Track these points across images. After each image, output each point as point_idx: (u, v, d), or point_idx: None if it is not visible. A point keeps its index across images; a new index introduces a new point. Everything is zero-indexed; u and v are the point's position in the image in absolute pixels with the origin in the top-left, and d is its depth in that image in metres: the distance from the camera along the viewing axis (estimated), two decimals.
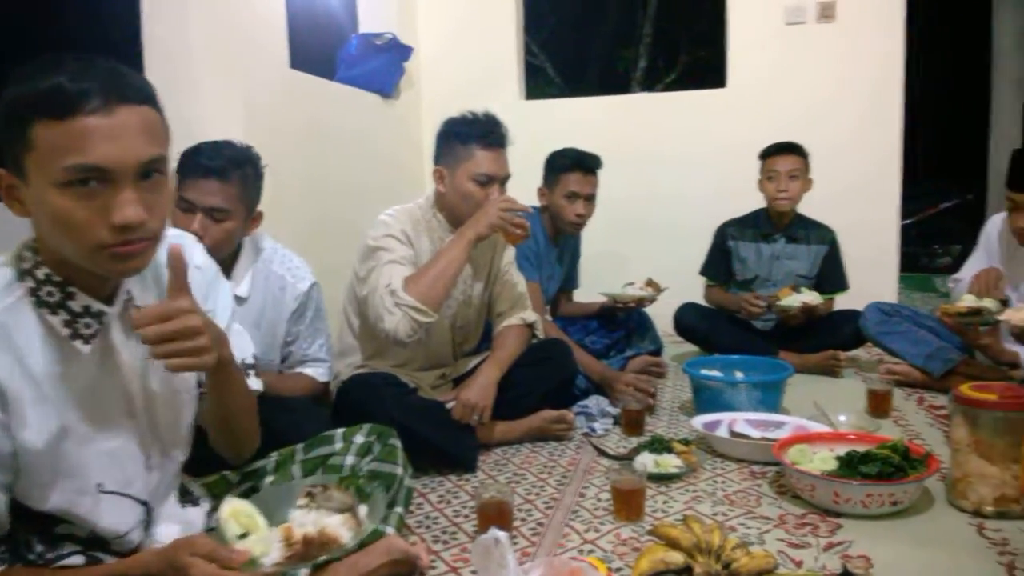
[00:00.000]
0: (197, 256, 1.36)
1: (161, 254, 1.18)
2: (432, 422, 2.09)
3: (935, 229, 7.52)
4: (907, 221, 6.78)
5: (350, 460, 1.58)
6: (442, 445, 2.10)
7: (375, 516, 1.32)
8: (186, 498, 1.42)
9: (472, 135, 2.22)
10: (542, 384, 2.36)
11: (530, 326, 2.43)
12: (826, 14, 3.94)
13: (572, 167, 2.89)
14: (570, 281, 3.19)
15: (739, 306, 3.17)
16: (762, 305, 3.08)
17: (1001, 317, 2.06)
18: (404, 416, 1.95)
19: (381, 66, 3.83)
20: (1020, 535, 1.64)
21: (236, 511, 1.19)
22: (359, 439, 1.61)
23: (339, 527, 1.23)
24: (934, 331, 2.91)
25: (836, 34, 3.96)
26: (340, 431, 1.63)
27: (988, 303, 2.37)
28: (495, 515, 1.65)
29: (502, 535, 1.17)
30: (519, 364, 2.32)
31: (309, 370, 2.16)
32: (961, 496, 1.77)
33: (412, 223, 2.28)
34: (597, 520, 1.77)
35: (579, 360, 2.59)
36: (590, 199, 2.93)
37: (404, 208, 2.32)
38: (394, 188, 3.84)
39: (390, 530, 1.46)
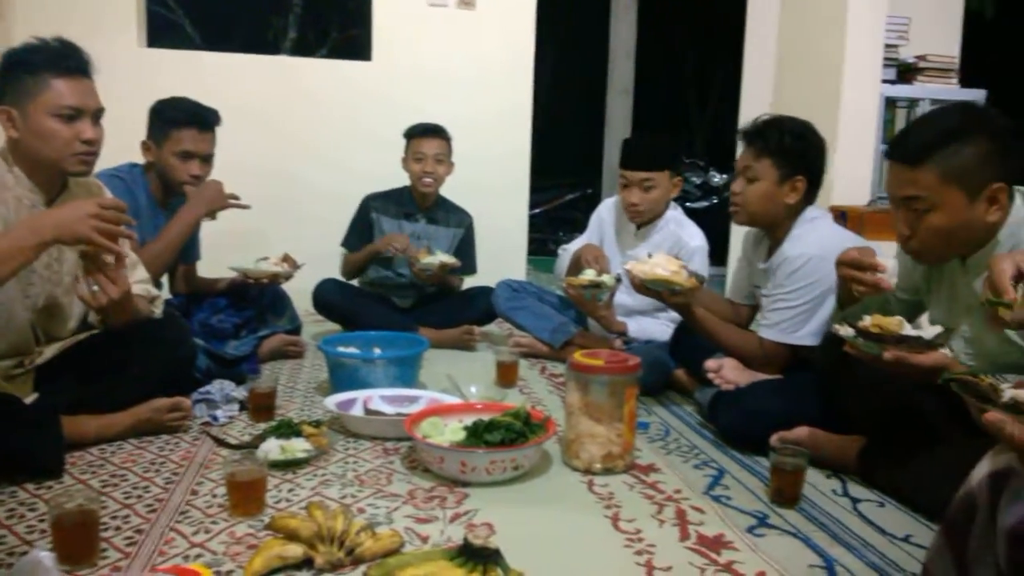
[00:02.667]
0: None
1: None
2: (2, 418, 1.68)
3: (560, 218, 8.36)
4: (536, 211, 7.43)
5: None
6: (16, 446, 1.70)
7: None
8: None
9: (43, 62, 1.82)
10: (153, 368, 2.04)
11: (152, 301, 2.10)
12: (466, 1, 4.06)
13: (187, 122, 2.55)
14: (189, 252, 2.84)
15: (379, 248, 3.11)
16: (405, 240, 3.05)
17: (627, 267, 2.27)
18: None
19: None
20: (623, 488, 1.79)
21: None
22: None
23: None
24: (555, 307, 3.15)
25: (475, 22, 4.10)
26: None
27: (606, 278, 2.60)
28: (75, 527, 1.36)
29: (46, 556, 0.92)
30: (121, 345, 1.98)
31: None
32: (574, 456, 1.88)
33: None
34: (209, 520, 1.56)
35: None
36: (207, 159, 2.62)
37: None
38: None
39: None
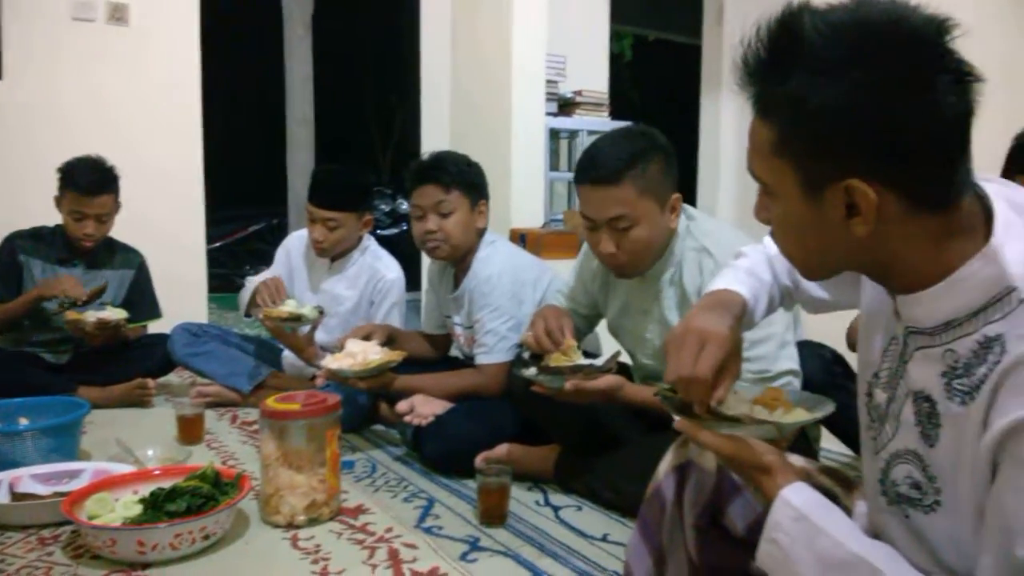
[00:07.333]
0: None
1: None
2: None
3: (245, 251, 7.89)
4: (217, 244, 6.94)
5: None
6: None
7: None
8: None
9: None
10: None
11: None
12: (117, 16, 3.65)
13: None
14: None
15: (43, 294, 2.62)
16: (77, 287, 2.60)
17: (331, 368, 2.10)
18: None
19: None
20: (331, 537, 1.68)
21: None
22: None
23: None
24: (242, 348, 2.92)
25: (130, 39, 3.71)
26: None
27: (306, 309, 2.49)
28: None
29: None
30: None
31: None
32: (274, 512, 1.73)
33: None
34: None
35: None
36: None
37: None
38: None
39: None
